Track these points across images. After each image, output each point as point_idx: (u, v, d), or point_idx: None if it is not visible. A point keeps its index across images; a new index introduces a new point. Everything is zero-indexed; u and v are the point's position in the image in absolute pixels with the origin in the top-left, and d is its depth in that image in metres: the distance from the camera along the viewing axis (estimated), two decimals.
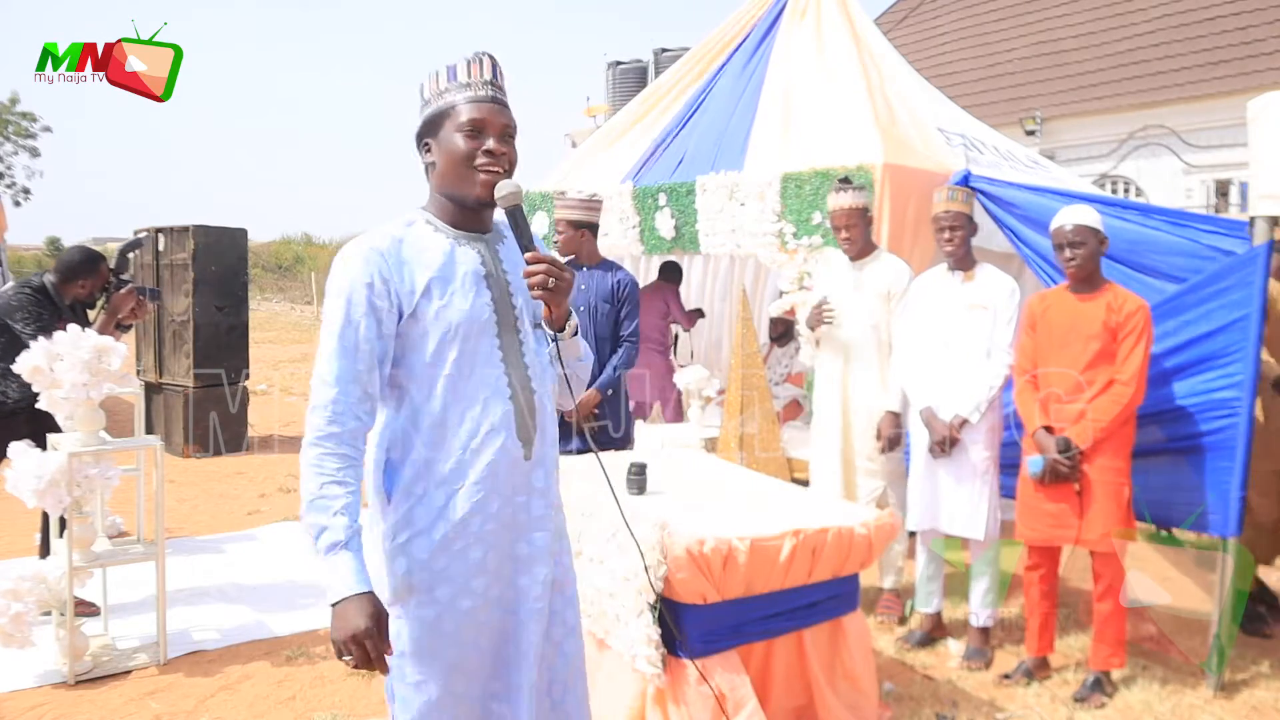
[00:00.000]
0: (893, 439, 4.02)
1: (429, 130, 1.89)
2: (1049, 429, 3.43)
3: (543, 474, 1.95)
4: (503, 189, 1.84)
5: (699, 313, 7.09)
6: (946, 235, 3.81)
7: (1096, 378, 3.37)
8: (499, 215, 1.95)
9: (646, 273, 7.36)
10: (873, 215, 4.25)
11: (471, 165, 1.84)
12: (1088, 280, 3.45)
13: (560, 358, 1.96)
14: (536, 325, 1.96)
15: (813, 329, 4.16)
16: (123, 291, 4.21)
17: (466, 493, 1.83)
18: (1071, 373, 3.40)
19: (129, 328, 4.36)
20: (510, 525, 1.89)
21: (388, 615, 1.74)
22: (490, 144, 1.84)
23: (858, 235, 4.10)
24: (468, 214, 1.91)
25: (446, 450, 1.83)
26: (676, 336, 7.27)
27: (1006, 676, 3.58)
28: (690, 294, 7.89)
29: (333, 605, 1.68)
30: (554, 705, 2.00)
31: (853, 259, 4.16)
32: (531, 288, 1.84)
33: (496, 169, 1.84)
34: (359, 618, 1.66)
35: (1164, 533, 4.25)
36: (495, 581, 1.88)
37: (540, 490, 1.94)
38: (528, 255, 1.84)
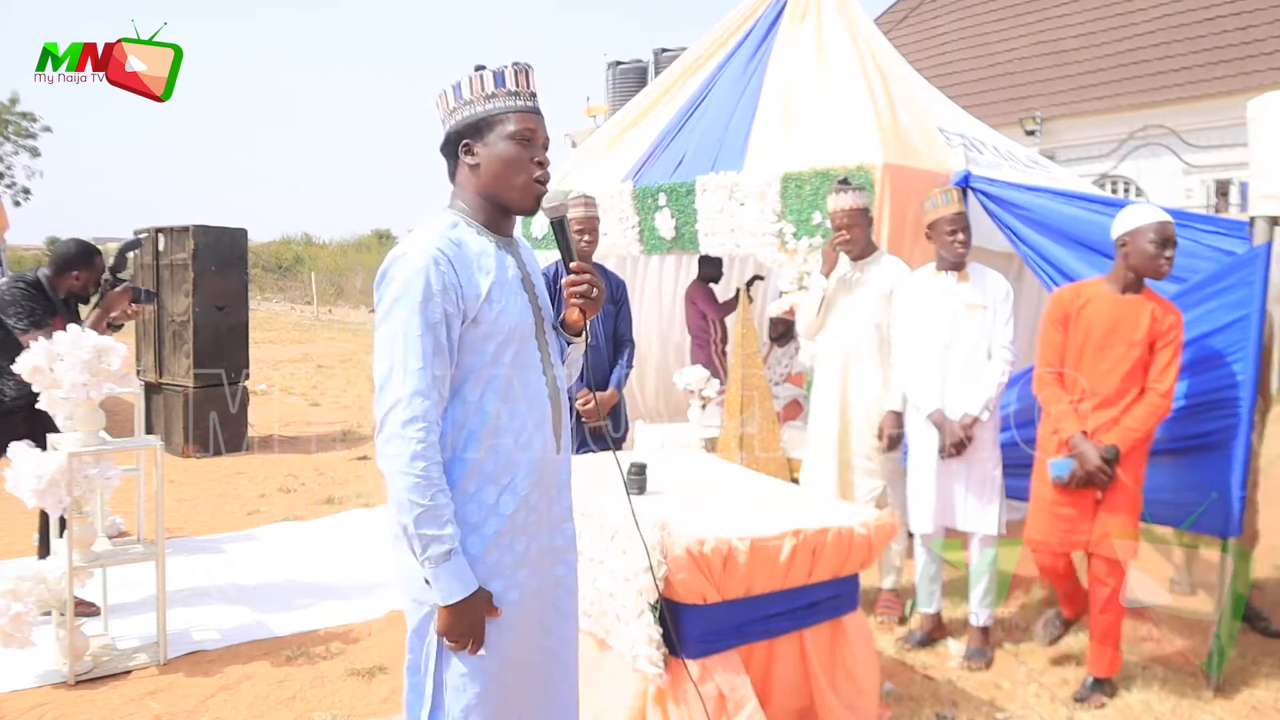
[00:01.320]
0: (894, 438, 4.02)
1: (473, 133, 1.92)
2: (1085, 434, 3.35)
3: (568, 467, 2.07)
4: (551, 199, 1.94)
5: (744, 289, 6.84)
6: (961, 238, 3.79)
7: (1130, 386, 3.31)
8: None
9: (645, 273, 7.35)
10: (873, 216, 4.24)
11: (525, 173, 1.91)
12: (1139, 281, 3.36)
13: (582, 359, 2.12)
14: (552, 328, 2.06)
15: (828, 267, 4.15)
16: (117, 290, 4.20)
17: (515, 488, 1.90)
18: (1101, 386, 3.33)
19: (120, 327, 4.36)
20: (547, 517, 1.98)
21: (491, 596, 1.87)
22: (541, 155, 1.93)
23: (859, 235, 4.09)
24: (503, 219, 1.98)
25: (496, 448, 1.89)
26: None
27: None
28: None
29: (449, 605, 1.79)
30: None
31: (853, 259, 4.16)
32: (573, 296, 1.96)
33: (546, 179, 1.94)
34: (483, 614, 1.83)
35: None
36: (535, 573, 1.96)
37: (567, 483, 2.06)
38: (574, 265, 1.97)
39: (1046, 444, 3.48)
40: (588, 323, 2.05)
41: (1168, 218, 3.33)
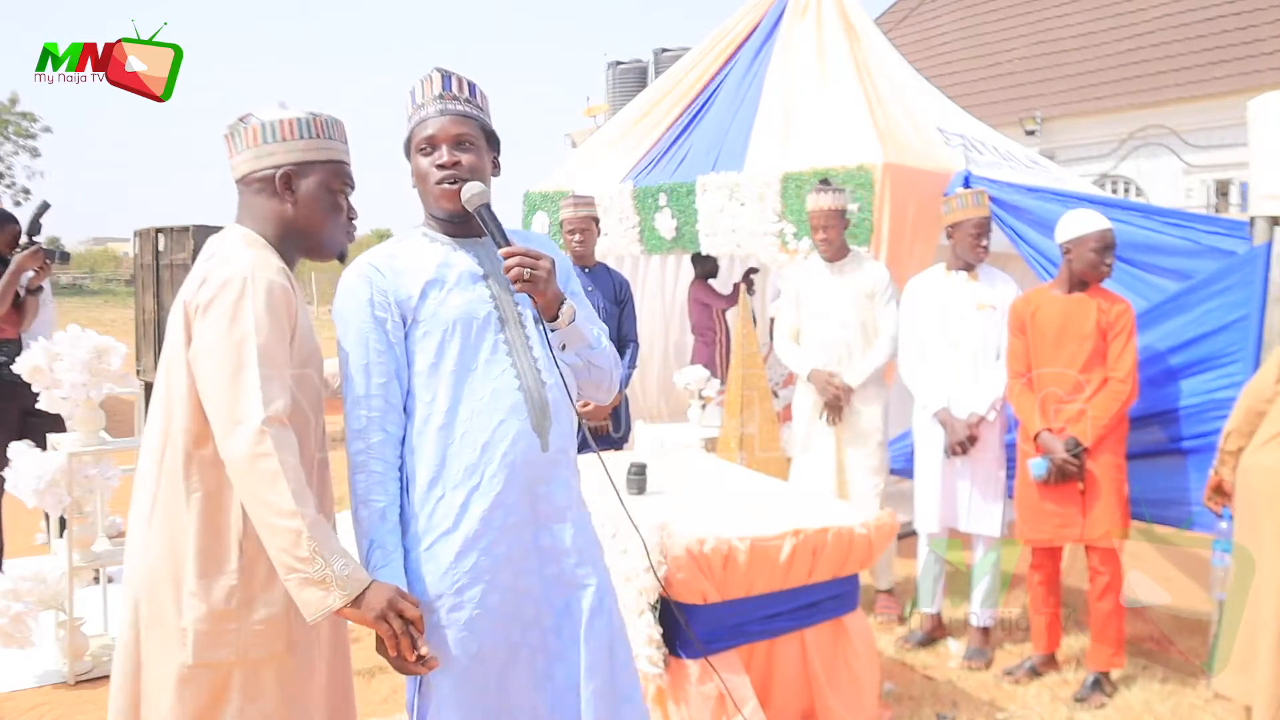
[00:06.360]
0: (831, 403, 4.05)
1: (408, 156, 1.97)
2: (1049, 430, 3.43)
3: (564, 464, 1.95)
4: (468, 191, 1.88)
5: (743, 283, 6.77)
6: (984, 243, 3.84)
7: (1092, 377, 3.39)
8: None
9: (646, 273, 7.35)
10: (850, 219, 4.23)
11: (431, 181, 1.90)
12: (1084, 282, 3.47)
13: (565, 348, 1.96)
14: (539, 321, 1.94)
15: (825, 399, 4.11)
16: (28, 251, 4.26)
17: (485, 488, 1.83)
18: (1070, 372, 3.41)
19: (38, 290, 4.42)
20: (531, 517, 1.89)
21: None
22: (442, 157, 1.89)
23: (835, 236, 4.09)
24: (453, 223, 1.95)
25: (460, 447, 1.83)
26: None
27: (1009, 672, 3.58)
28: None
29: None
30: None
31: (829, 260, 4.16)
32: (512, 282, 1.84)
33: (451, 179, 1.89)
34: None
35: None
36: (521, 574, 1.87)
37: (562, 481, 1.94)
38: (502, 250, 1.85)
39: (1026, 447, 3.53)
40: (565, 304, 1.91)
41: (1108, 225, 3.43)
